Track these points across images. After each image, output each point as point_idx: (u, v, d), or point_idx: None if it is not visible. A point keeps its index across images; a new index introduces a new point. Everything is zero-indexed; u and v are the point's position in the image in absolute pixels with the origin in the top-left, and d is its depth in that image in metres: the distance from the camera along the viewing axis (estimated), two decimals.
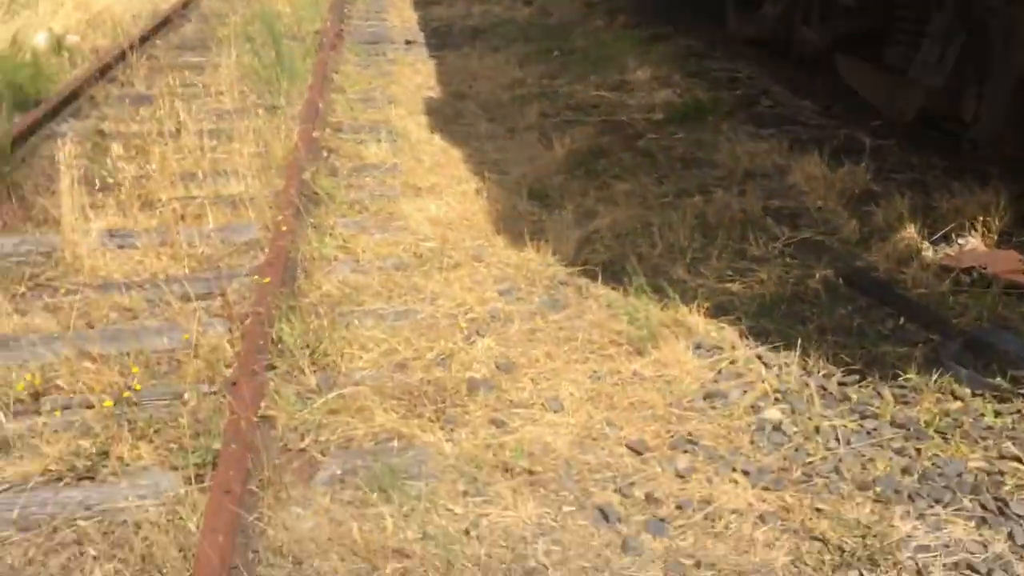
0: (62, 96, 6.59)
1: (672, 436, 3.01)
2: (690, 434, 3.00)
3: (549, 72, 7.56)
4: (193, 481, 2.80)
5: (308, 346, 3.50)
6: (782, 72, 6.54)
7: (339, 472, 2.87)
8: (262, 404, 3.13)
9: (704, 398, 3.18)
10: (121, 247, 4.53)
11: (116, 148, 5.88)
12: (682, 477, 2.82)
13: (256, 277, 4.05)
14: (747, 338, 3.47)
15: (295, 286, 4.01)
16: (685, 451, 2.93)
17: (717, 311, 3.64)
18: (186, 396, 3.24)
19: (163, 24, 9.46)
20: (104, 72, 7.50)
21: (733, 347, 3.43)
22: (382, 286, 4.08)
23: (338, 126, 6.31)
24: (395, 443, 3.01)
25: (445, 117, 6.56)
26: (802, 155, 5.10)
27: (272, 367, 3.37)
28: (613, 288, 3.91)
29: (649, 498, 2.74)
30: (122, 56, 7.94)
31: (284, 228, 4.43)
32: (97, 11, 9.43)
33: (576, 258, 4.23)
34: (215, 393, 3.30)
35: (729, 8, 7.07)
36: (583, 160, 5.47)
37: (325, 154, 5.79)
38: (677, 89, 6.67)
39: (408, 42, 9.15)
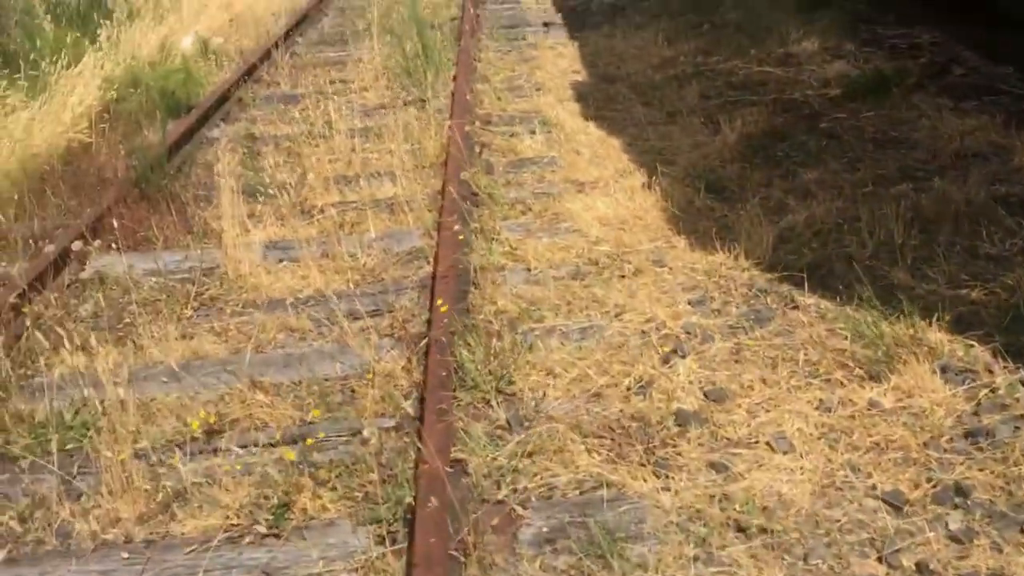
0: (212, 100, 6.42)
1: (935, 486, 2.49)
2: (957, 483, 2.47)
3: (702, 48, 6.96)
4: (386, 542, 2.46)
5: (492, 373, 3.11)
6: (974, 35, 5.77)
7: (545, 530, 2.47)
8: (451, 447, 2.76)
9: (965, 436, 2.64)
10: (282, 261, 4.27)
11: (269, 153, 5.69)
12: (959, 541, 2.30)
13: (427, 294, 3.70)
14: (1004, 359, 2.89)
15: (468, 301, 3.64)
16: (955, 506, 2.41)
17: (960, 325, 3.06)
18: (366, 433, 2.90)
19: (302, 20, 9.28)
20: (250, 72, 7.33)
21: (989, 370, 2.86)
22: (560, 298, 3.66)
23: (487, 118, 5.91)
24: (603, 492, 2.59)
25: (597, 103, 6.08)
26: (1022, 131, 4.41)
27: (455, 399, 3.01)
28: (825, 296, 3.38)
29: (923, 569, 2.23)
30: (266, 55, 7.77)
31: (452, 235, 4.06)
32: (239, 11, 9.31)
33: (774, 261, 3.71)
34: (397, 430, 2.96)
35: None
36: (759, 145, 4.91)
37: (478, 149, 5.40)
38: (851, 60, 5.98)
39: (546, 24, 8.68)
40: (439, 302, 3.45)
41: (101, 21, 7.89)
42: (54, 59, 6.58)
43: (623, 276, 3.78)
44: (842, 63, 5.89)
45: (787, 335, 3.22)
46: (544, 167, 5.08)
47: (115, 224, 4.39)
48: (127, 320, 3.76)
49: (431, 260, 4.08)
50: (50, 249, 4.25)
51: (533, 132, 5.56)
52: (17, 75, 6.30)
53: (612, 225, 4.27)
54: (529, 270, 3.94)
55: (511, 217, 4.49)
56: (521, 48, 7.78)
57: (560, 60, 7.37)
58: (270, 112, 6.56)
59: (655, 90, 6.23)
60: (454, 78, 6.72)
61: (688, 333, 3.31)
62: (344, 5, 10.37)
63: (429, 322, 3.47)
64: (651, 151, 5.12)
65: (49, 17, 8.01)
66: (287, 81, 7.29)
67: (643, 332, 3.35)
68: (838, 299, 3.32)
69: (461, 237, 4.10)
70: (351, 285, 3.98)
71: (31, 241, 4.41)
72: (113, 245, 4.34)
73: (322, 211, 4.69)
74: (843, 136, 4.85)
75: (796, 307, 3.39)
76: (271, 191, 4.80)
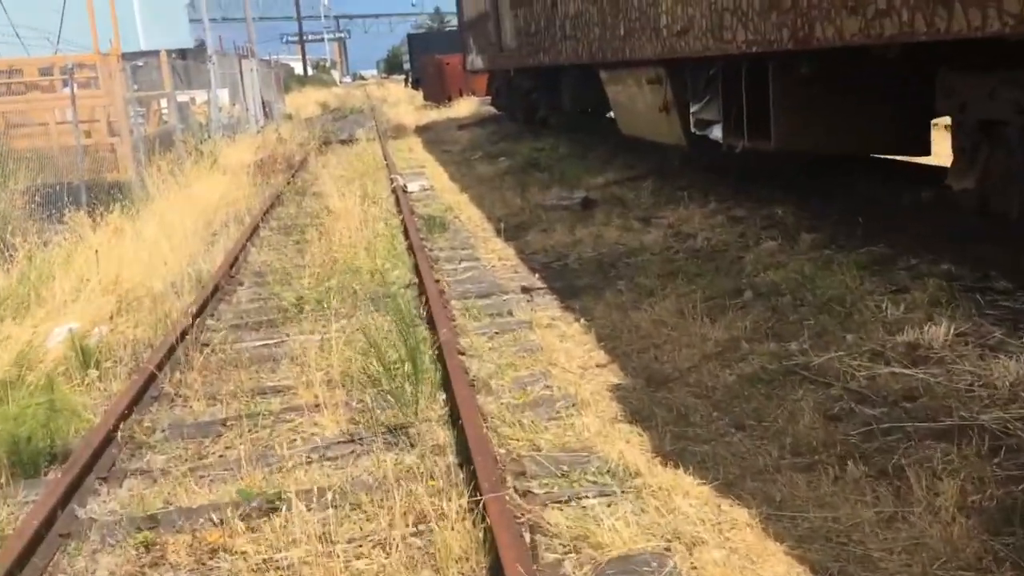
0: (86, 453, 4.18)
1: None
2: None
3: (763, 328, 5.21)
4: None
5: None
6: None
7: None
8: None
9: None
10: None
11: (179, 547, 3.48)
12: None
13: None
14: None
15: None
16: None
17: None
18: None
19: (213, 294, 7.24)
20: (148, 386, 5.16)
21: None
22: None
23: (520, 471, 3.85)
24: None
25: (668, 428, 4.14)
26: None
27: None
28: None
29: None
30: (169, 353, 5.64)
31: None
32: (129, 287, 7.20)
33: None
34: None
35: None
36: (1006, 529, 2.98)
37: (527, 538, 3.31)
38: (1007, 352, 4.27)
39: (526, 289, 6.88)
40: None
41: None
42: None
43: None
44: (1009, 360, 4.14)
45: None
46: None
47: None
48: None
49: None
50: None
51: (605, 497, 3.53)
52: None
53: None
54: None
55: None
56: (511, 328, 5.88)
57: (570, 345, 5.50)
58: (177, 457, 4.36)
59: (738, 402, 4.35)
60: (447, 393, 4.71)
61: None
62: (261, 268, 8.42)
63: None
64: (819, 537, 3.13)
65: None
66: (200, 395, 5.13)
67: None
68: None
69: None
70: None
71: None
72: None
73: None
74: None
75: None
76: None
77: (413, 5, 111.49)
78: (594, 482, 3.69)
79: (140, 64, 15.64)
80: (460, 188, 12.55)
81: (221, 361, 5.72)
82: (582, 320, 5.92)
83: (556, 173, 12.11)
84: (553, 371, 5.03)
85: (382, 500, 3.65)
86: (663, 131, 8.59)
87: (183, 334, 5.91)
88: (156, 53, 18.16)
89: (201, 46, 28.80)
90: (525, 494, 3.62)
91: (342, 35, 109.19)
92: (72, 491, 3.95)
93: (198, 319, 6.54)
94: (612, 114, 11.61)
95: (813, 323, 5.10)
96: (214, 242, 9.72)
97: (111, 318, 6.75)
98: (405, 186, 12.40)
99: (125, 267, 7.56)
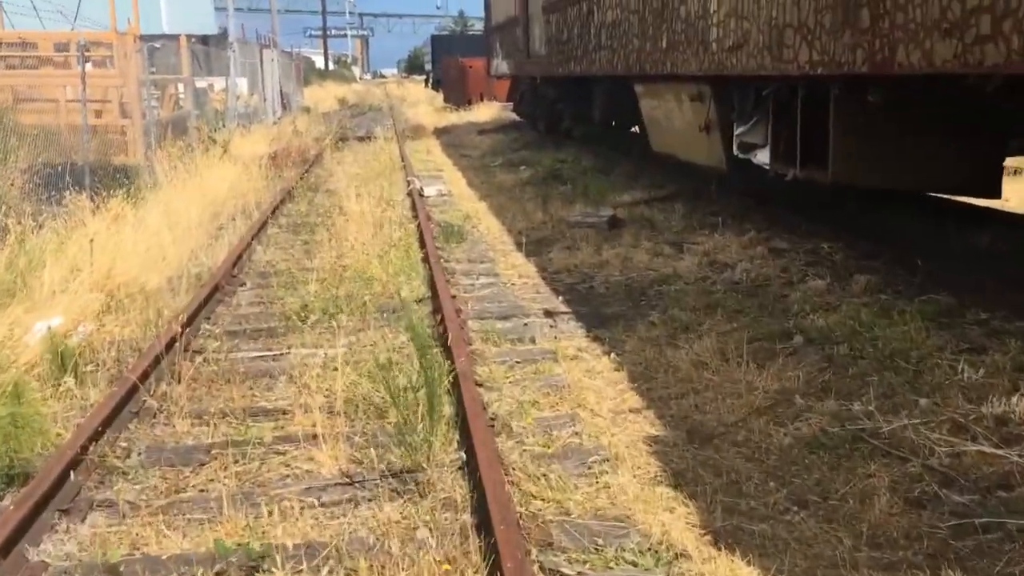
0: (47, 480, 3.61)
1: None
2: None
3: (818, 383, 4.61)
4: None
5: None
6: None
7: None
8: None
9: None
10: None
11: None
12: None
13: None
14: None
15: None
16: None
17: None
18: None
19: (210, 295, 6.66)
20: (128, 398, 4.59)
21: None
22: None
23: (547, 541, 3.27)
24: None
25: (719, 498, 3.55)
26: None
27: None
28: None
29: None
30: (155, 363, 5.06)
31: None
32: (122, 281, 6.63)
33: None
34: None
35: None
36: None
37: None
38: None
39: (549, 313, 6.30)
40: None
41: None
42: None
43: None
44: None
45: None
46: None
47: None
48: None
49: None
50: None
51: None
52: None
53: None
54: None
55: None
56: (534, 357, 5.29)
57: (600, 383, 4.91)
58: (152, 489, 3.79)
59: (797, 470, 3.76)
60: (458, 422, 4.13)
61: None
62: (266, 269, 7.86)
63: None
64: None
65: None
66: (186, 412, 4.56)
67: None
68: None
69: None
70: None
71: None
72: None
73: None
74: None
75: None
76: None
77: (438, 7, 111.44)
78: (634, 563, 3.11)
79: (158, 46, 15.09)
80: (479, 196, 11.98)
81: (213, 374, 5.15)
82: (612, 354, 5.33)
83: (579, 187, 11.53)
84: (581, 414, 4.45)
85: (383, 567, 3.07)
86: (701, 152, 8.01)
87: (173, 340, 5.34)
88: (176, 37, 17.68)
89: (224, 33, 28.33)
90: (553, 574, 3.03)
91: (365, 32, 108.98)
92: (26, 526, 3.37)
93: (192, 323, 5.97)
94: (644, 129, 11.03)
95: (877, 380, 4.51)
96: (219, 236, 9.17)
97: (99, 315, 6.19)
98: (422, 189, 11.83)
99: (121, 259, 6.99)
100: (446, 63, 32.79)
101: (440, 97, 35.18)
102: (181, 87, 17.56)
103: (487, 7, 20.44)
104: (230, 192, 11.45)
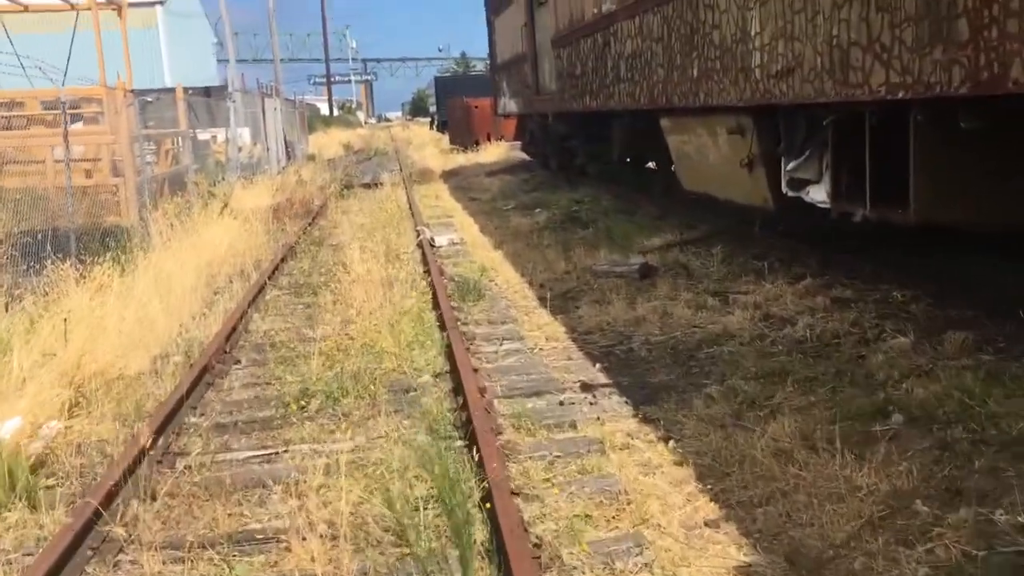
0: None
1: None
2: None
3: (936, 479, 3.69)
4: None
5: None
6: None
7: None
8: None
9: None
10: None
11: None
12: None
13: None
14: None
15: None
16: None
17: None
18: None
19: (198, 379, 5.80)
20: (85, 533, 3.71)
21: None
22: None
23: None
24: None
25: None
26: None
27: None
28: None
29: None
30: (126, 475, 4.18)
31: None
32: (98, 368, 5.78)
33: None
34: None
35: None
36: None
37: None
38: None
39: (586, 387, 5.41)
40: None
41: None
42: None
43: None
44: None
45: None
46: None
47: None
48: None
49: None
50: None
51: None
52: None
53: None
54: None
55: None
56: (577, 449, 4.39)
57: (662, 484, 4.00)
58: None
59: None
60: (494, 553, 3.23)
61: None
62: (263, 341, 6.99)
63: None
64: None
65: None
66: (157, 545, 3.67)
67: None
68: None
69: None
70: None
71: None
72: None
73: None
74: None
75: None
76: None
77: (440, 50, 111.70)
78: None
79: (150, 100, 14.41)
80: (494, 243, 11.14)
81: (195, 486, 4.26)
82: (670, 441, 4.43)
83: (602, 230, 10.69)
84: (647, 532, 3.53)
85: None
86: (743, 190, 7.15)
87: (149, 443, 4.47)
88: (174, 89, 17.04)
89: (226, 84, 27.83)
90: None
91: (369, 77, 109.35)
92: None
93: (175, 416, 5.11)
94: (671, 165, 10.19)
95: (1014, 476, 3.58)
96: (214, 302, 8.34)
97: (69, 408, 5.33)
98: (432, 239, 11.01)
99: (101, 337, 6.16)
100: (451, 104, 32.21)
101: (446, 138, 34.58)
102: (181, 140, 16.90)
103: (491, 45, 19.79)
104: (229, 251, 10.65)
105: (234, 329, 7.12)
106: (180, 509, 4.06)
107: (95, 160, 12.35)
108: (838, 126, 5.61)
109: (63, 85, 11.76)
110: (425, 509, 3.67)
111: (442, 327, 6.59)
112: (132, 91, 12.76)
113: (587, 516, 3.70)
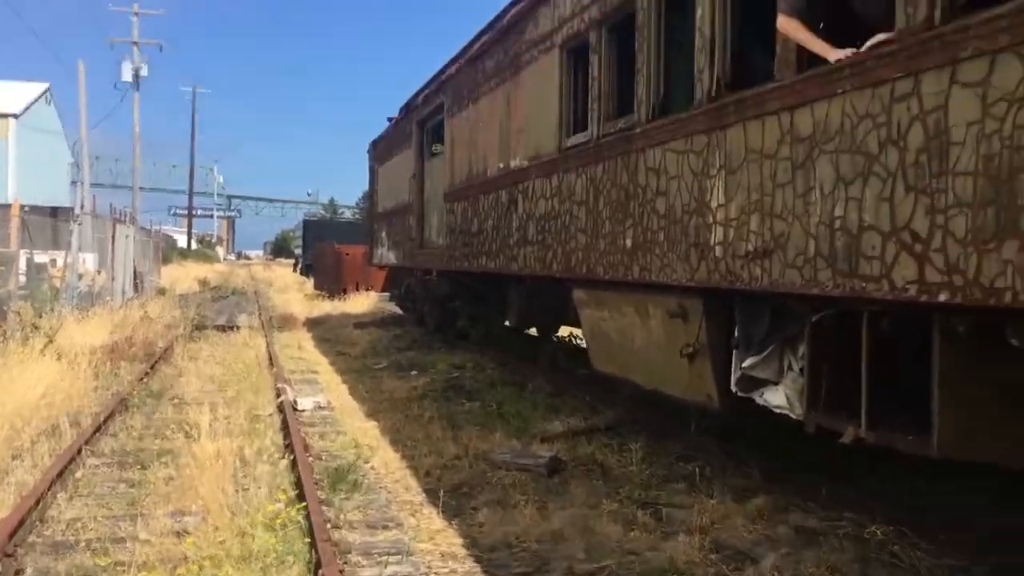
0: None
1: None
2: None
3: None
4: None
5: None
6: None
7: None
8: None
9: None
10: None
11: None
12: None
13: None
14: None
15: None
16: None
17: None
18: None
19: None
20: None
21: None
22: None
23: None
24: None
25: None
26: None
27: None
28: None
29: None
30: None
31: None
32: None
33: None
34: None
35: None
36: None
37: None
38: None
39: None
40: None
41: None
42: None
43: None
44: None
45: None
46: None
47: None
48: None
49: None
50: None
51: None
52: None
53: None
54: None
55: None
56: None
57: None
58: None
59: None
60: None
61: None
62: (66, 538, 5.16)
63: None
64: None
65: None
66: None
67: None
68: None
69: None
70: None
71: None
72: None
73: None
74: None
75: None
76: None
77: (308, 194, 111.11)
78: None
79: None
80: (366, 412, 9.61)
81: None
82: None
83: (491, 404, 9.38)
84: None
85: None
86: (680, 383, 6.05)
87: None
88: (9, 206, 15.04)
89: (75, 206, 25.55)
90: None
91: (232, 214, 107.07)
92: None
93: None
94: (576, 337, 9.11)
95: None
96: (9, 471, 6.44)
97: None
98: (295, 402, 9.38)
99: None
100: (319, 248, 30.84)
101: (311, 283, 32.95)
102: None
103: (371, 191, 18.79)
104: (43, 400, 8.67)
105: (24, 519, 5.26)
106: None
107: None
108: (822, 323, 4.62)
109: None
110: None
111: (311, 537, 4.98)
112: None
113: None
